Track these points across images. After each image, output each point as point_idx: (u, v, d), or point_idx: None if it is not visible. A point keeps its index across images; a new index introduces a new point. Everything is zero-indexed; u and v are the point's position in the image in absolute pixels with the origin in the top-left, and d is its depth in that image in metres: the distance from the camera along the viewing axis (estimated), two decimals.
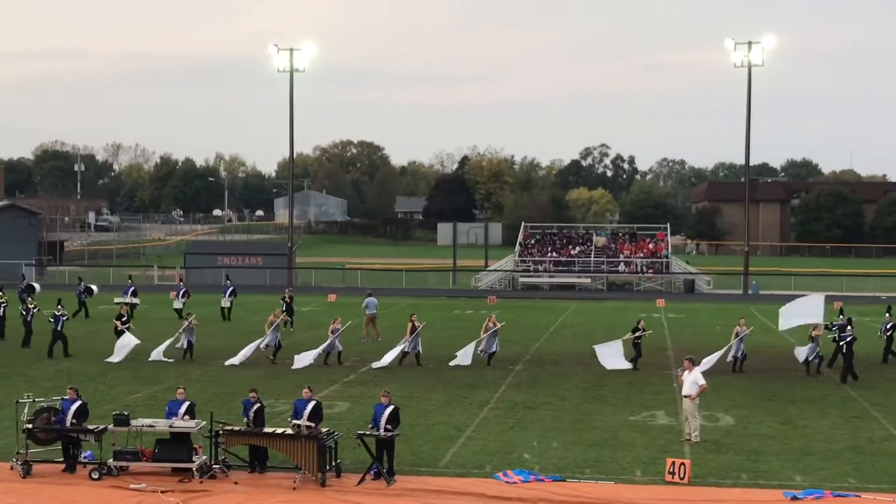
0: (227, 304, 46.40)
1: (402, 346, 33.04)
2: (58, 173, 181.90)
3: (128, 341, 33.57)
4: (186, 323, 34.27)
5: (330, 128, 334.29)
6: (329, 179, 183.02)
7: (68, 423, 19.29)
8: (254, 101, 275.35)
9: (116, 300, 46.43)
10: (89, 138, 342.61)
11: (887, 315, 34.24)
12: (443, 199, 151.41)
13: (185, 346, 33.83)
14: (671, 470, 18.84)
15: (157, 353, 33.36)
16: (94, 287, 48.62)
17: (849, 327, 30.58)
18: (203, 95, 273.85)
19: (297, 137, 72.97)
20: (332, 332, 33.04)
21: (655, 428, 23.59)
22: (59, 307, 35.04)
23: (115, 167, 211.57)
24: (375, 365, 32.18)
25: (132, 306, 45.67)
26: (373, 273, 76.15)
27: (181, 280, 56.84)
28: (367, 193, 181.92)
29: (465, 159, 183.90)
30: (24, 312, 36.81)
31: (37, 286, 47.08)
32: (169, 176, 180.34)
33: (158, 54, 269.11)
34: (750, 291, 68.09)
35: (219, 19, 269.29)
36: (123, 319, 35.28)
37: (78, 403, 19.52)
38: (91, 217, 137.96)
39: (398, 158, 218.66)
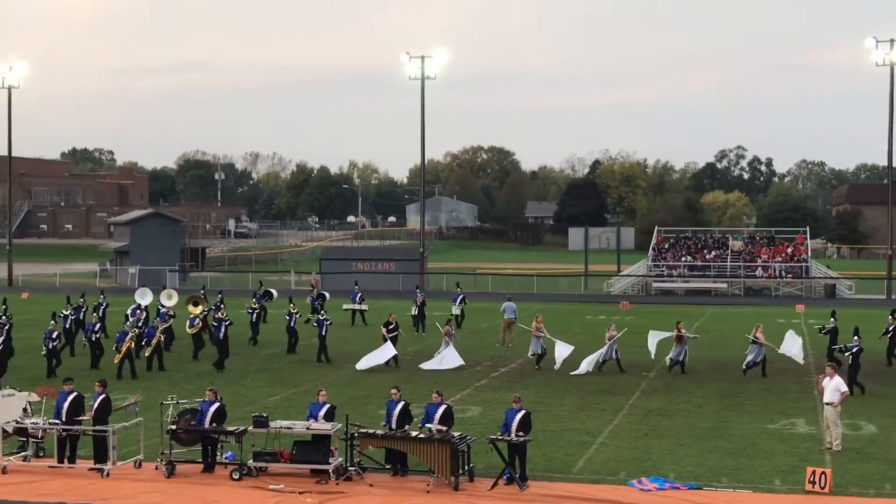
0: (458, 312, 44.68)
1: (673, 355, 32.54)
2: (199, 182, 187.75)
3: (388, 350, 33.05)
4: (446, 328, 34.12)
5: (461, 134, 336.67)
6: (460, 185, 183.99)
7: (207, 425, 19.89)
8: (386, 109, 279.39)
9: (345, 307, 46.97)
10: (229, 148, 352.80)
11: (890, 318, 34.49)
12: (574, 204, 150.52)
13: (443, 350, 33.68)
14: (812, 479, 18.36)
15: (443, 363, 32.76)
16: (326, 294, 48.78)
17: (855, 337, 29.25)
18: (337, 104, 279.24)
19: (428, 144, 73.67)
20: (609, 339, 33.01)
21: (795, 436, 23.02)
22: (323, 312, 35.68)
23: (254, 175, 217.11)
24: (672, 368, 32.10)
25: (361, 312, 46.09)
26: (503, 278, 76.14)
27: (315, 285, 57.72)
28: (497, 199, 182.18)
29: (596, 163, 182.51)
30: (287, 317, 37.06)
31: (274, 292, 47.89)
32: (305, 183, 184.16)
33: (296, 65, 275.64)
34: (894, 296, 65.73)
35: (353, 29, 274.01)
36: (391, 327, 34.61)
37: (216, 405, 20.09)
38: (231, 224, 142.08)
39: (529, 163, 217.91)
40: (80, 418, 20.05)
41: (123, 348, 31.24)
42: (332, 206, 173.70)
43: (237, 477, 19.20)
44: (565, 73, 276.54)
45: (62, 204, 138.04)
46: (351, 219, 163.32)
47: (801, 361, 32.54)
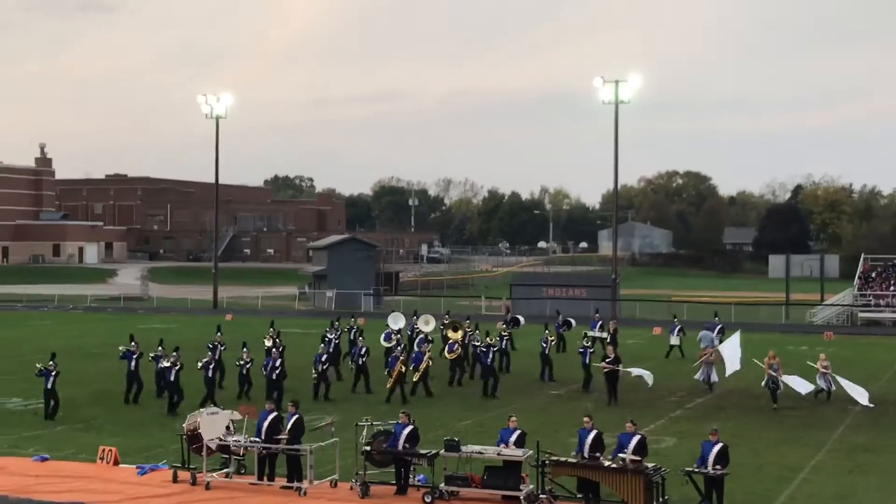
0: (676, 342, 44.40)
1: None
2: (393, 208, 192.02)
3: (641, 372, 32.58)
4: (705, 357, 33.90)
5: (655, 158, 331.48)
6: (654, 210, 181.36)
7: (400, 447, 20.10)
8: (579, 134, 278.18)
9: (588, 334, 47.28)
10: (422, 174, 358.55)
11: None
12: (774, 230, 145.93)
13: (705, 378, 33.62)
14: None
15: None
16: (572, 320, 48.65)
17: None
18: (528, 129, 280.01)
19: (621, 169, 73.00)
20: (825, 369, 32.14)
21: None
22: (588, 340, 35.78)
23: (446, 201, 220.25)
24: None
25: (600, 340, 45.88)
26: (699, 306, 74.29)
27: (508, 310, 57.75)
28: (693, 224, 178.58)
29: (798, 188, 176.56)
30: (542, 345, 36.96)
31: (521, 319, 48.36)
32: (496, 209, 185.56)
33: (486, 92, 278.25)
34: None
35: (547, 54, 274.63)
36: (609, 360, 32.38)
37: (409, 428, 20.31)
38: (423, 249, 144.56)
39: (726, 188, 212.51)
40: (278, 437, 20.64)
41: (395, 373, 31.52)
42: (523, 231, 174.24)
43: (429, 500, 19.32)
44: (763, 94, 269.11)
45: (265, 229, 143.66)
46: (542, 244, 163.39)
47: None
